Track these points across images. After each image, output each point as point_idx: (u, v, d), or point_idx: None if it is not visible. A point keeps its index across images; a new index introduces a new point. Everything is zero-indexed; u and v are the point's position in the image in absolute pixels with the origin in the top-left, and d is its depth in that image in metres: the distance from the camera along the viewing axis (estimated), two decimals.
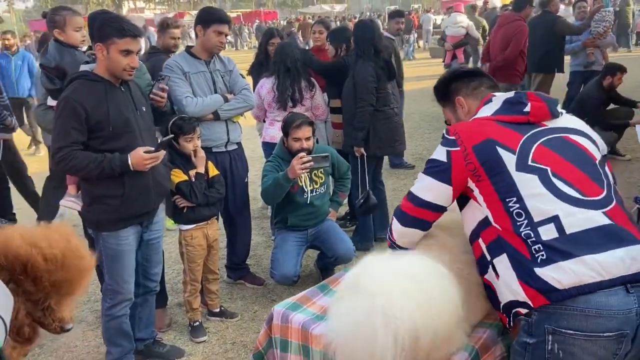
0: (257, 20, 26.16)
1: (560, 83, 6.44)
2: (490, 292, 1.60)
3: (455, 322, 1.48)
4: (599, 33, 6.20)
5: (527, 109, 1.60)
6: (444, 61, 9.37)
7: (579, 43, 6.28)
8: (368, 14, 31.61)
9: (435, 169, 1.62)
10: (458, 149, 1.57)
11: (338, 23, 17.54)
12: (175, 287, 3.61)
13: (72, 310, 1.00)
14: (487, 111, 1.68)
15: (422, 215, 1.67)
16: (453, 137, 1.60)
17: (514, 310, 1.47)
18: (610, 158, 5.59)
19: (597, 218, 1.42)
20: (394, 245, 1.83)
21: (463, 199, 1.63)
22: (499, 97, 1.69)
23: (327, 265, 3.51)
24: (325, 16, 18.52)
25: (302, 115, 3.42)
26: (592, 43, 6.22)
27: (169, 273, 3.72)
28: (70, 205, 2.88)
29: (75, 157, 2.29)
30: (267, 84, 3.82)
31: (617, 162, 5.49)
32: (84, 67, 2.58)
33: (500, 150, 1.52)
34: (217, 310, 3.19)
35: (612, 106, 5.68)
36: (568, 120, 1.66)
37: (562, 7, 7.45)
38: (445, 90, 1.88)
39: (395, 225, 1.75)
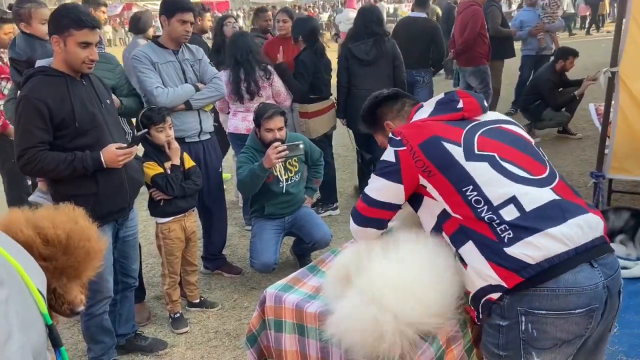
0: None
1: (512, 67, 6.68)
2: None
3: (450, 304, 1.55)
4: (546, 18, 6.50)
5: (460, 105, 1.66)
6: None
7: (527, 30, 6.53)
8: (322, 2, 31.51)
9: (386, 170, 1.65)
10: (404, 148, 1.59)
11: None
12: (150, 280, 3.56)
13: (84, 291, 0.97)
14: (422, 115, 1.71)
15: (377, 215, 1.70)
16: (399, 138, 1.63)
17: (484, 299, 1.48)
18: (563, 137, 5.91)
19: (547, 194, 1.49)
20: None
21: (416, 199, 1.65)
22: (430, 101, 1.75)
23: (304, 251, 3.55)
24: (273, 6, 18.17)
25: (274, 105, 3.42)
26: (541, 28, 6.48)
27: (143, 267, 3.66)
28: (39, 201, 2.79)
29: (42, 158, 2.18)
30: (224, 77, 3.76)
31: (569, 141, 5.80)
32: (40, 63, 2.46)
33: (446, 145, 1.56)
34: (197, 301, 3.18)
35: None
36: (495, 114, 1.74)
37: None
38: (372, 118, 1.94)
39: (352, 224, 1.77)
